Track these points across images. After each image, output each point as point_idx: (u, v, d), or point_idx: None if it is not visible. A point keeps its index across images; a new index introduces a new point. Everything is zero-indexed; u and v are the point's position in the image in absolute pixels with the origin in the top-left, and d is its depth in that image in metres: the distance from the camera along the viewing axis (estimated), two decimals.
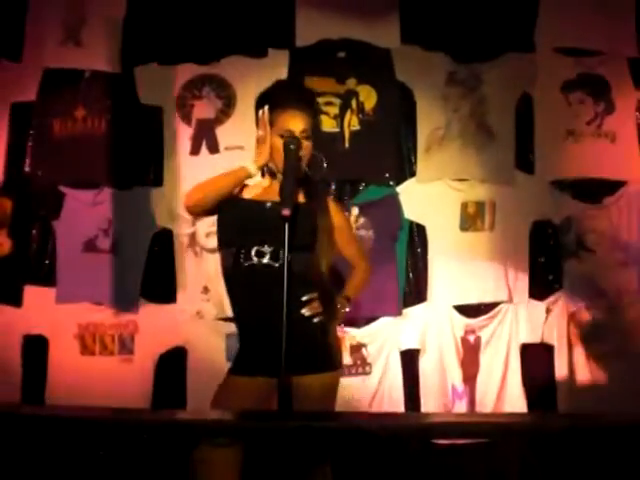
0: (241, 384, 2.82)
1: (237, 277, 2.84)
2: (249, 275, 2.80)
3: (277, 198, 2.67)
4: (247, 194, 2.97)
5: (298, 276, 2.73)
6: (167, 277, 4.71)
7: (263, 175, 3.00)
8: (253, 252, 2.79)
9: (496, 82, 4.71)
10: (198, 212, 2.96)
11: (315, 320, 2.80)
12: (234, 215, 2.88)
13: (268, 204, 2.84)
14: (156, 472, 4.14)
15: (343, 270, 3.14)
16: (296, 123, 2.84)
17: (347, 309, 2.97)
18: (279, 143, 2.82)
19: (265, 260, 2.77)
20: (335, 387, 2.86)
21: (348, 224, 3.13)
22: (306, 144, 2.84)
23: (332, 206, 2.96)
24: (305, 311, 2.78)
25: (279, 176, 2.84)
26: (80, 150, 4.80)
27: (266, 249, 2.77)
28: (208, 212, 2.94)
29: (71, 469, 3.95)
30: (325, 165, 2.87)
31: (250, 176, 2.87)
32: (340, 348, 3.00)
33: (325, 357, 2.82)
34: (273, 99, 2.95)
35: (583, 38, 4.76)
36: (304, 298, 2.79)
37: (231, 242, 2.86)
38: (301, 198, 2.84)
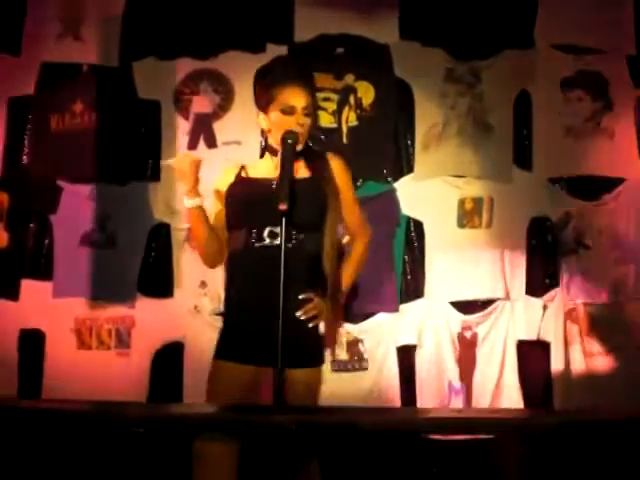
0: (231, 370, 2.78)
1: (247, 258, 2.78)
2: (260, 256, 2.74)
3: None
4: (252, 173, 2.95)
5: (312, 255, 2.73)
6: (164, 272, 4.72)
7: (262, 155, 2.98)
8: (266, 233, 2.74)
9: (495, 79, 4.70)
10: (220, 261, 2.96)
11: (310, 325, 2.77)
12: (242, 195, 2.84)
13: (274, 182, 2.78)
14: (155, 465, 4.14)
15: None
16: (298, 99, 2.80)
17: (341, 302, 2.89)
18: (280, 119, 2.79)
19: (278, 241, 2.72)
20: (320, 382, 2.83)
21: (350, 184, 2.95)
22: (307, 121, 2.81)
23: (334, 165, 2.87)
24: (300, 314, 2.74)
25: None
26: (77, 144, 4.80)
27: (279, 230, 2.73)
28: (222, 253, 2.93)
29: (67, 462, 3.95)
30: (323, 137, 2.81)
31: (199, 206, 2.84)
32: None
33: (315, 351, 2.80)
34: (272, 74, 2.90)
35: (582, 35, 4.75)
36: (301, 296, 2.76)
37: (241, 223, 2.81)
38: (306, 172, 2.80)
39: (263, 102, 2.87)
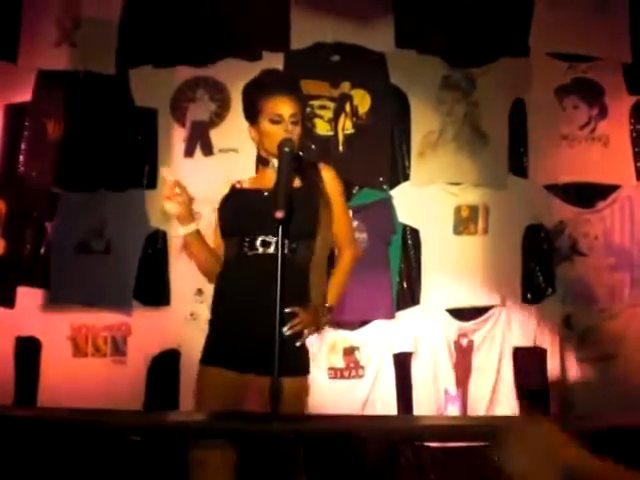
0: (216, 375, 2.79)
1: (240, 266, 2.79)
2: (253, 265, 2.75)
3: (272, 186, 2.66)
4: (245, 185, 2.97)
5: (302, 265, 2.74)
6: (161, 279, 4.71)
7: (257, 165, 2.99)
8: (258, 242, 2.75)
9: (490, 86, 4.72)
10: (214, 275, 2.95)
11: (297, 344, 2.76)
12: (235, 205, 2.87)
13: (266, 193, 2.81)
14: (152, 474, 4.14)
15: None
16: (285, 108, 2.83)
17: (328, 316, 2.86)
18: (269, 128, 2.82)
19: (271, 250, 2.74)
20: (306, 392, 2.82)
21: (341, 195, 2.95)
22: (296, 129, 2.83)
23: (326, 176, 2.88)
24: (286, 329, 2.69)
25: (272, 161, 2.85)
26: (74, 151, 4.80)
27: (271, 239, 2.74)
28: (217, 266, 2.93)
29: (63, 470, 3.94)
30: (312, 147, 2.80)
31: (197, 232, 2.85)
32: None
33: (300, 360, 2.80)
34: (260, 85, 2.94)
35: (577, 43, 4.78)
36: (286, 310, 2.74)
37: (234, 232, 2.83)
38: (297, 183, 2.79)
39: (252, 114, 2.91)
